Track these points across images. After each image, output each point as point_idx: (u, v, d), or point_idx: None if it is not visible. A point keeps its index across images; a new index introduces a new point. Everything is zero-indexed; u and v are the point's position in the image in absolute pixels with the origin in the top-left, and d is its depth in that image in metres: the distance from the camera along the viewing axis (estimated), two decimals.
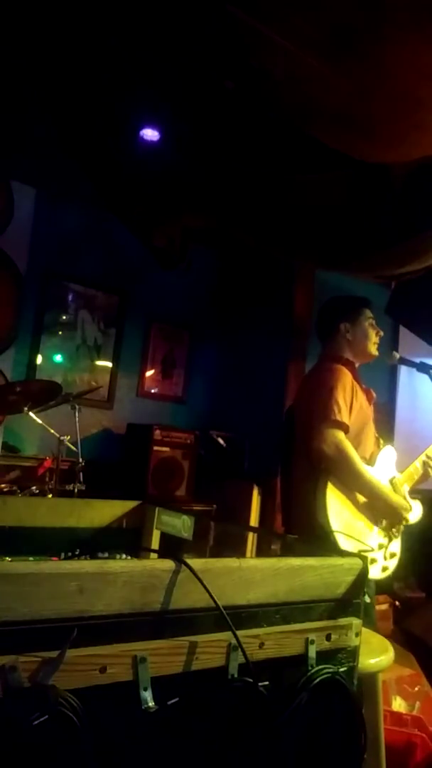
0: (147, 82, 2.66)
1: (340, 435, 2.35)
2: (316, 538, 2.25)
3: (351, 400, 2.45)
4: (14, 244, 4.31)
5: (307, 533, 2.32)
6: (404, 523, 2.54)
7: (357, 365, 2.67)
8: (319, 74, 2.20)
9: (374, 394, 2.68)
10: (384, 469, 2.58)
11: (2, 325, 4.30)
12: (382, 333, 2.73)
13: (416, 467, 2.66)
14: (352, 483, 2.39)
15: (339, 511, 2.34)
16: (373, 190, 3.06)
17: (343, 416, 2.37)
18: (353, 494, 2.41)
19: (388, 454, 2.62)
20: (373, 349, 2.69)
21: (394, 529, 2.52)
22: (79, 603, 0.96)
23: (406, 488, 2.61)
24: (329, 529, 2.27)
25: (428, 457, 2.68)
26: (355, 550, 2.27)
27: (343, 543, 2.26)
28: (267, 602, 1.18)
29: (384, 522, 2.49)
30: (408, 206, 3.06)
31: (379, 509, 2.47)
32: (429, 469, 2.67)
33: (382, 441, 2.68)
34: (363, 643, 1.34)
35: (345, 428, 2.38)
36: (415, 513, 2.59)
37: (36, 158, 3.94)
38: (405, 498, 2.56)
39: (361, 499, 2.43)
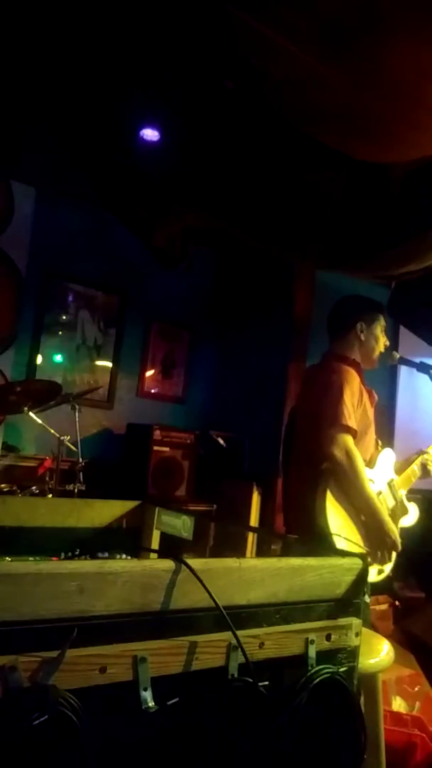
0: (147, 82, 2.66)
1: (350, 440, 2.34)
2: (316, 539, 2.25)
3: (357, 403, 2.45)
4: (14, 244, 4.32)
5: (306, 533, 2.31)
6: (389, 555, 2.43)
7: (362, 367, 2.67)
8: (319, 74, 2.20)
9: (376, 396, 2.68)
10: (383, 471, 2.58)
11: (2, 325, 4.30)
12: (388, 343, 2.73)
13: (414, 470, 2.65)
14: (353, 490, 2.35)
15: (338, 515, 2.34)
16: (372, 190, 3.06)
17: (352, 420, 2.36)
18: (350, 505, 2.37)
19: (386, 457, 2.62)
20: (377, 358, 2.70)
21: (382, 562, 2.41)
22: (79, 603, 0.96)
23: (403, 492, 2.61)
24: (328, 531, 2.27)
25: (425, 459, 2.68)
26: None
27: (341, 546, 2.25)
28: (267, 602, 1.18)
29: (372, 547, 2.38)
30: (407, 206, 3.06)
31: (372, 528, 2.38)
32: (430, 469, 2.67)
33: (380, 443, 2.68)
34: (363, 643, 1.34)
35: (353, 433, 2.36)
36: (411, 516, 2.59)
37: (36, 158, 3.94)
38: (397, 528, 2.48)
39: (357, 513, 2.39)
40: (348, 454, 2.31)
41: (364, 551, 2.33)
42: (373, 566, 2.41)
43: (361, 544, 2.37)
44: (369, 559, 2.32)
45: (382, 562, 2.41)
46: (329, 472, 2.35)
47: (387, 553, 2.40)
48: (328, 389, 2.44)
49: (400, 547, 2.41)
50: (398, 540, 2.40)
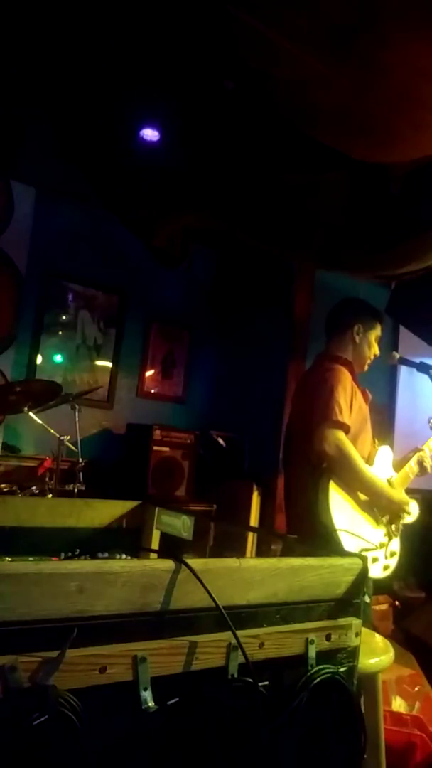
0: (146, 81, 2.66)
1: (341, 435, 2.35)
2: (316, 538, 2.25)
3: (351, 400, 2.46)
4: (14, 244, 4.32)
5: (307, 533, 2.32)
6: (405, 517, 2.56)
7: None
8: (319, 74, 2.20)
9: (370, 395, 2.69)
10: (381, 469, 2.58)
11: (2, 325, 4.30)
12: (378, 353, 2.74)
13: (411, 467, 2.66)
14: (354, 482, 2.39)
15: (341, 509, 2.34)
16: (372, 190, 3.06)
17: (344, 416, 2.37)
18: (354, 493, 2.42)
19: (384, 455, 2.63)
20: (367, 364, 2.71)
21: (394, 526, 2.53)
22: (79, 603, 0.95)
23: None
24: (332, 527, 2.27)
25: (421, 456, 2.69)
26: (357, 549, 2.28)
27: (346, 541, 2.26)
28: (267, 602, 1.18)
29: (385, 519, 2.50)
30: (407, 206, 3.06)
31: (380, 507, 2.48)
32: (426, 465, 2.69)
33: (377, 441, 2.69)
34: (363, 643, 1.33)
35: (346, 428, 2.38)
36: (412, 512, 2.60)
37: (36, 158, 3.94)
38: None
39: (362, 497, 2.43)
40: (339, 449, 2.32)
41: (370, 546, 2.36)
42: (376, 561, 2.42)
43: (368, 538, 2.38)
44: (394, 526, 2.54)
45: (397, 529, 2.58)
46: (329, 470, 2.36)
47: (405, 513, 2.57)
48: (320, 387, 2.45)
49: (409, 502, 2.57)
50: (408, 502, 2.55)
